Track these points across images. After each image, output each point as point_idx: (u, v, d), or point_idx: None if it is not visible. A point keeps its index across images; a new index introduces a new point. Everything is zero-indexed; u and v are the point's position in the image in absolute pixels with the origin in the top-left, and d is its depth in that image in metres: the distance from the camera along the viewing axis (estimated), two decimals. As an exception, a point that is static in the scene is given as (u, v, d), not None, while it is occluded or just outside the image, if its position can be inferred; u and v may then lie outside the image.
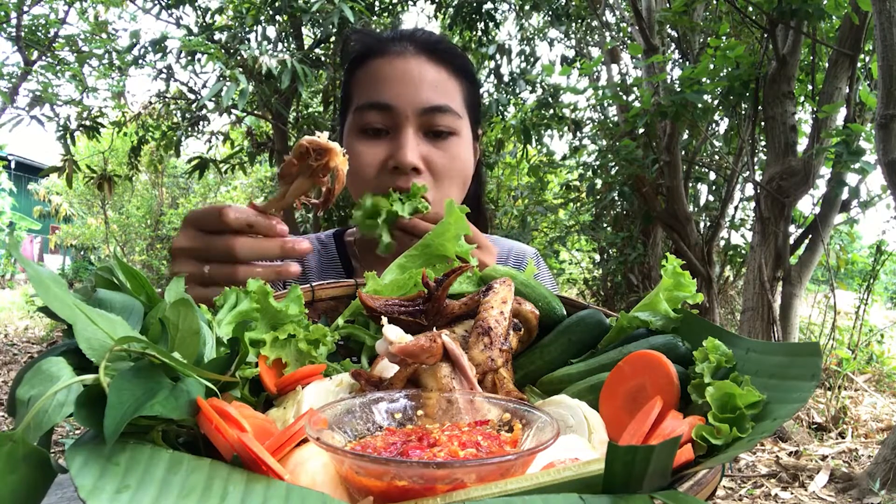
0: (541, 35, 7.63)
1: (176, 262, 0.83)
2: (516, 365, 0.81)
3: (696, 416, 0.58)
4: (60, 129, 6.40)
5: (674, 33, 5.68)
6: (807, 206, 5.27)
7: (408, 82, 1.11)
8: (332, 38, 5.72)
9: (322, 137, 0.81)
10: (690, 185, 6.23)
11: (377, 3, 6.28)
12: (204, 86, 6.39)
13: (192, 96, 6.59)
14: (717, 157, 6.57)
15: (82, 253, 16.57)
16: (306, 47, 5.96)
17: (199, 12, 6.32)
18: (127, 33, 6.34)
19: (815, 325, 5.85)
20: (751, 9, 4.49)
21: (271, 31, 6.20)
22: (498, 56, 6.62)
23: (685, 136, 5.60)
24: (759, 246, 4.51)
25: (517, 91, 6.61)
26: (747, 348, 0.66)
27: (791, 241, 4.64)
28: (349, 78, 1.21)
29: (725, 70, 4.49)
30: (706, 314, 5.20)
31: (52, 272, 0.48)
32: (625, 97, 5.75)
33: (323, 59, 6.11)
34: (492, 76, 6.67)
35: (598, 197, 6.01)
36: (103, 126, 6.88)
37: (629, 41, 6.11)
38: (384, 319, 0.72)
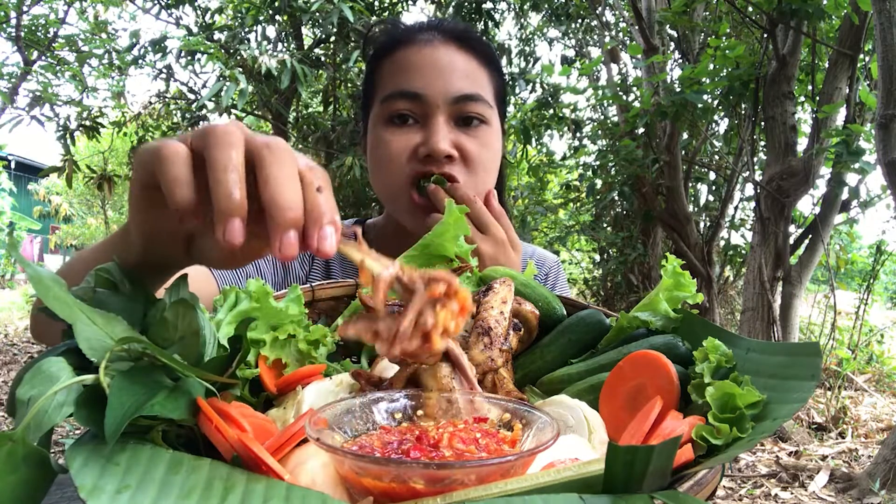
0: (540, 35, 7.63)
1: None
2: (516, 365, 0.81)
3: (696, 416, 0.58)
4: (60, 129, 6.40)
5: (674, 33, 5.67)
6: (807, 206, 5.27)
7: (438, 71, 1.08)
8: (332, 38, 5.72)
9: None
10: (690, 185, 6.22)
11: (377, 3, 6.28)
12: (204, 86, 6.39)
13: (192, 96, 6.59)
14: (717, 157, 6.57)
15: (82, 253, 16.53)
16: (306, 47, 5.96)
17: (199, 12, 6.32)
18: (127, 33, 6.35)
19: (815, 325, 5.84)
20: (751, 9, 4.49)
21: (271, 31, 6.21)
22: (497, 55, 6.61)
23: (685, 136, 5.59)
24: (759, 246, 4.51)
25: (517, 91, 6.61)
26: (747, 348, 0.66)
27: (791, 241, 4.64)
28: (373, 68, 1.17)
29: (725, 70, 4.48)
30: (706, 314, 5.20)
31: (52, 272, 0.48)
32: (625, 97, 5.75)
33: (323, 59, 6.11)
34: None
35: (598, 197, 6.01)
36: (103, 126, 6.87)
37: (629, 41, 6.11)
38: (384, 319, 0.72)
